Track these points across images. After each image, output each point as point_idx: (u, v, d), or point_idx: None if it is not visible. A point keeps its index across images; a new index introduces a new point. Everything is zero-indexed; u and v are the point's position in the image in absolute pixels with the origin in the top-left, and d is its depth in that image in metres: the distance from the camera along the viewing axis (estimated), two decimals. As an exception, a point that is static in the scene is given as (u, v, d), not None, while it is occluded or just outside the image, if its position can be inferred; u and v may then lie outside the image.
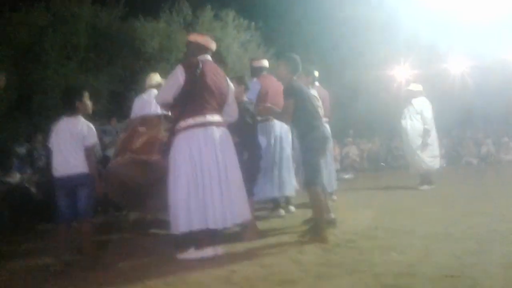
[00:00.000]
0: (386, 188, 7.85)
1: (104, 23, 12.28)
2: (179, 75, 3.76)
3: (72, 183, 3.70)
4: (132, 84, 11.13)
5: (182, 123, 3.72)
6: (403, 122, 7.62)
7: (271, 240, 4.14)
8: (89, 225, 3.74)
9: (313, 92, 4.83)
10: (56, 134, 3.76)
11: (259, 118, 4.83)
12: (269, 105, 4.68)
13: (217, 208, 3.61)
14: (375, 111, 14.68)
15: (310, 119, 4.12)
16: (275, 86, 5.31)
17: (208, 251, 3.63)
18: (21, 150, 8.39)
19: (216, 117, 3.80)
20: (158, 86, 5.63)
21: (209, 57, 3.97)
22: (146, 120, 4.60)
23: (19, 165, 7.96)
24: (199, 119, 3.71)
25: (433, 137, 7.59)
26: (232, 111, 4.09)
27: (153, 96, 5.60)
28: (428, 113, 7.51)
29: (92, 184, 3.76)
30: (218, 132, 3.77)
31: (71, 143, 3.72)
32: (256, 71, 5.73)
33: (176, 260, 3.59)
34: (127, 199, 5.01)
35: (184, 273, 3.24)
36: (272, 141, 5.37)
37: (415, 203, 5.97)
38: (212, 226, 3.59)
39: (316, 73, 5.65)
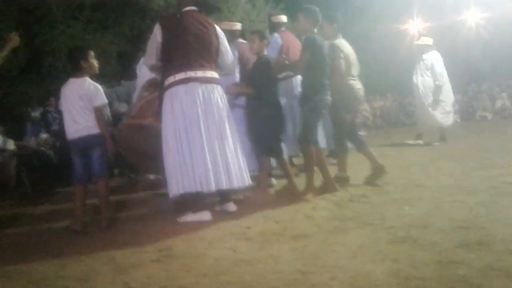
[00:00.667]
0: (398, 145, 7.83)
1: (108, -20, 12.02)
2: (156, 33, 3.62)
3: (84, 145, 3.71)
4: (140, 43, 11.00)
5: (165, 82, 3.63)
6: (414, 78, 7.46)
7: (285, 198, 4.15)
8: (104, 186, 3.75)
9: (345, 45, 4.45)
10: (65, 97, 3.75)
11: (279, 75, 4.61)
12: (284, 56, 4.43)
13: (205, 169, 3.47)
14: (387, 66, 14.41)
15: (322, 78, 4.02)
16: (295, 42, 5.26)
17: (204, 215, 3.56)
18: (35, 114, 8.47)
19: (200, 73, 3.60)
20: None
21: (193, 8, 3.72)
22: (152, 84, 4.45)
23: (33, 129, 8.06)
24: (179, 76, 3.57)
25: (446, 92, 7.41)
26: (226, 65, 3.89)
27: None
28: (439, 68, 7.29)
29: (104, 145, 3.75)
30: (202, 89, 3.58)
31: (80, 104, 3.68)
32: (275, 27, 5.59)
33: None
34: (141, 161, 4.96)
35: (199, 230, 3.31)
36: (293, 100, 5.22)
37: (427, 158, 5.97)
38: (201, 189, 3.47)
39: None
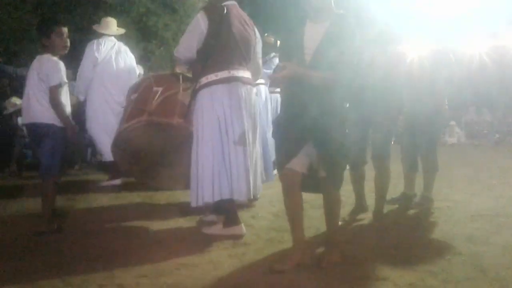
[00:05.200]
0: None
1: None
2: (201, 23, 3.23)
3: (38, 132, 3.34)
4: (89, 34, 10.71)
5: (203, 80, 3.25)
6: None
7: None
8: (48, 185, 3.32)
9: None
10: (27, 78, 3.41)
11: None
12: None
13: (245, 177, 3.20)
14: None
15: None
16: None
17: (239, 229, 3.28)
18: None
19: (241, 73, 3.28)
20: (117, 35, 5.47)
21: (234, 2, 3.40)
22: (162, 79, 4.02)
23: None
24: (221, 74, 3.21)
25: None
26: (257, 67, 3.56)
27: (115, 49, 5.43)
28: None
29: (58, 137, 3.33)
30: (244, 90, 3.27)
31: (38, 85, 3.31)
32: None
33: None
34: (137, 168, 4.40)
35: (141, 234, 3.32)
36: None
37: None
38: (238, 197, 3.22)
39: None
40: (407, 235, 3.38)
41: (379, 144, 3.66)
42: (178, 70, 3.98)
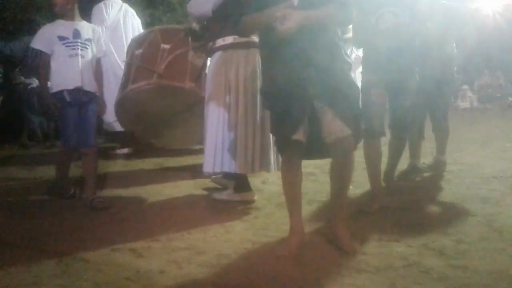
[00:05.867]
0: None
1: None
2: None
3: None
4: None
5: (219, 41, 3.06)
6: None
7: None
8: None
9: None
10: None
11: None
12: None
13: (251, 149, 3.06)
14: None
15: None
16: None
17: (251, 195, 3.24)
18: None
19: (255, 38, 2.97)
20: None
21: None
22: (170, 34, 3.69)
23: None
24: (239, 38, 3.00)
25: None
26: None
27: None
28: None
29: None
30: (258, 56, 3.00)
31: None
32: None
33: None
34: (140, 128, 4.25)
35: (152, 199, 3.33)
36: None
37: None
38: (251, 171, 3.12)
39: None
40: (419, 197, 3.34)
41: (404, 113, 3.06)
42: (193, 25, 3.60)
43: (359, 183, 3.46)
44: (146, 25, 9.47)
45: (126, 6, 5.39)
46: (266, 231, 2.61)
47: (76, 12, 3.26)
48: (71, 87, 3.14)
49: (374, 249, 2.33)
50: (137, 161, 4.83)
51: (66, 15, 3.22)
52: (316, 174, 4.06)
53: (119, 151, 5.28)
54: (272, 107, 2.33)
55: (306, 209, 3.04)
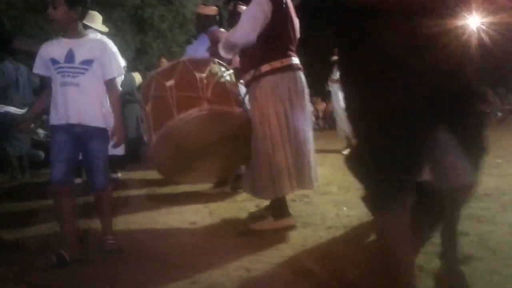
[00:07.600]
0: (339, 147, 8.10)
1: None
2: (265, 6, 3.04)
3: None
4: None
5: (265, 67, 3.08)
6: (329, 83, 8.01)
7: (228, 195, 4.30)
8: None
9: None
10: None
11: None
12: None
13: (308, 166, 3.13)
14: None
15: None
16: None
17: (291, 220, 3.23)
18: None
19: (297, 60, 3.17)
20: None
21: None
22: (200, 64, 3.43)
23: None
24: (286, 61, 3.08)
25: None
26: None
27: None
28: None
29: None
30: (304, 80, 3.19)
31: None
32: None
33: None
34: (171, 163, 3.41)
35: (146, 224, 3.31)
36: None
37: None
38: (307, 187, 3.19)
39: None
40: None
41: None
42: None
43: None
44: (136, 51, 9.55)
45: (102, 37, 4.51)
46: (260, 257, 2.59)
47: (79, 26, 2.74)
48: (62, 122, 2.65)
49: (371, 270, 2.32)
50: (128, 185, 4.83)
51: (66, 32, 2.71)
52: (309, 196, 4.07)
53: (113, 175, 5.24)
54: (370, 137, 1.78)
55: (301, 232, 3.05)
